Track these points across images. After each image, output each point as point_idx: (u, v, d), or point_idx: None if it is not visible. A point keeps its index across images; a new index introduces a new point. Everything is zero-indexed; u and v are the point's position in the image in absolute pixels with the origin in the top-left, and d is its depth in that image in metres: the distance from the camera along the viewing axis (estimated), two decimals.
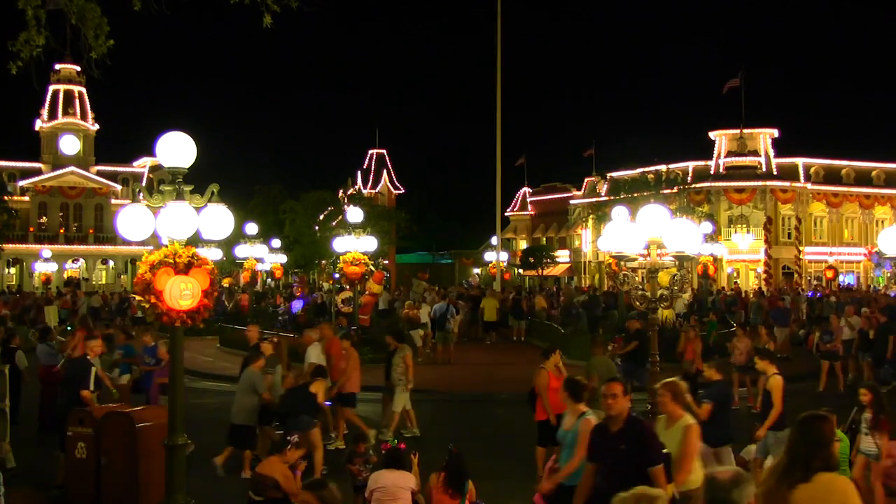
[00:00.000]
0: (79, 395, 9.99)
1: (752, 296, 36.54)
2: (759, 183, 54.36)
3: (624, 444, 6.01)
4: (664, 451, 6.15)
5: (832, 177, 57.57)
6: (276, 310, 31.44)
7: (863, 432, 9.16)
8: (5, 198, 52.19)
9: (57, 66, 60.94)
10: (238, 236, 29.79)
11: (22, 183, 62.41)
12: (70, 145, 63.36)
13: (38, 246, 57.05)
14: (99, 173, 64.66)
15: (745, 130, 55.24)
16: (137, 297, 7.76)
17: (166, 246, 7.54)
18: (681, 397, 6.94)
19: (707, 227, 28.07)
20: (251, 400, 10.95)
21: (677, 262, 9.64)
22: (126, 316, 32.35)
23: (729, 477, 4.40)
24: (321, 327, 14.58)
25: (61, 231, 62.44)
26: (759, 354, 10.76)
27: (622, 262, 10.03)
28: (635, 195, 41.10)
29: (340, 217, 38.92)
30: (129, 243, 51.58)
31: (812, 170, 56.74)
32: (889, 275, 32.28)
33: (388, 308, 29.50)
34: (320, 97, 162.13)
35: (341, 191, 52.48)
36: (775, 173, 55.64)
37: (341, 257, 21.00)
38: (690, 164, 56.46)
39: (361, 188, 61.45)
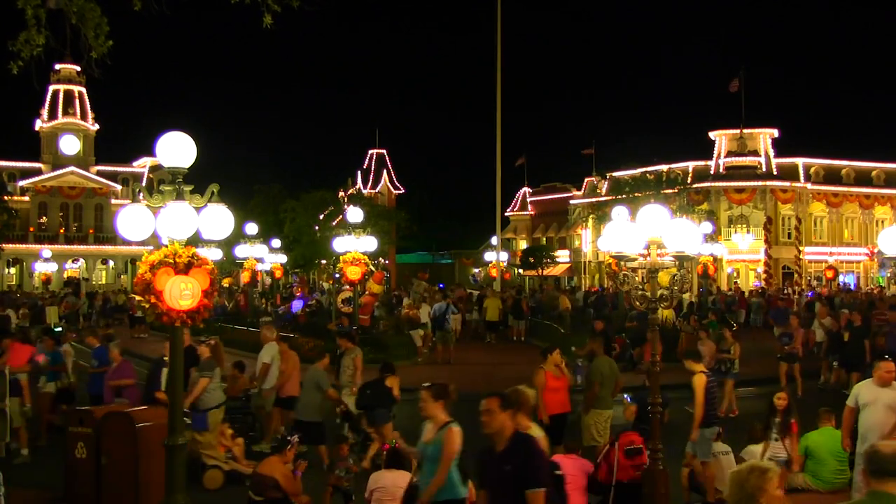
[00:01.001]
0: None
1: (753, 296, 36.57)
2: (759, 183, 54.36)
3: (509, 465, 5.34)
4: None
5: (832, 177, 57.57)
6: (275, 310, 31.44)
7: (772, 438, 9.10)
8: (5, 198, 52.16)
9: (57, 66, 60.93)
10: (238, 236, 29.75)
11: (22, 183, 62.40)
12: (70, 145, 63.36)
13: (38, 246, 57.03)
14: (99, 173, 64.66)
15: (745, 130, 55.24)
16: (137, 297, 7.76)
17: (166, 246, 7.54)
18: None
19: (707, 227, 28.07)
20: (317, 397, 11.32)
21: (677, 262, 9.64)
22: (111, 318, 31.44)
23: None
24: (268, 328, 14.42)
25: (61, 231, 62.44)
26: (687, 356, 11.06)
27: (622, 262, 10.02)
28: (635, 195, 41.12)
29: (340, 217, 38.91)
30: (129, 243, 51.56)
31: (812, 170, 56.73)
32: (890, 275, 32.27)
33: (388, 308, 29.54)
34: (320, 97, 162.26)
35: (341, 191, 52.49)
36: (775, 173, 55.64)
37: (341, 257, 21.00)
38: (690, 164, 56.46)
39: (361, 188, 61.49)
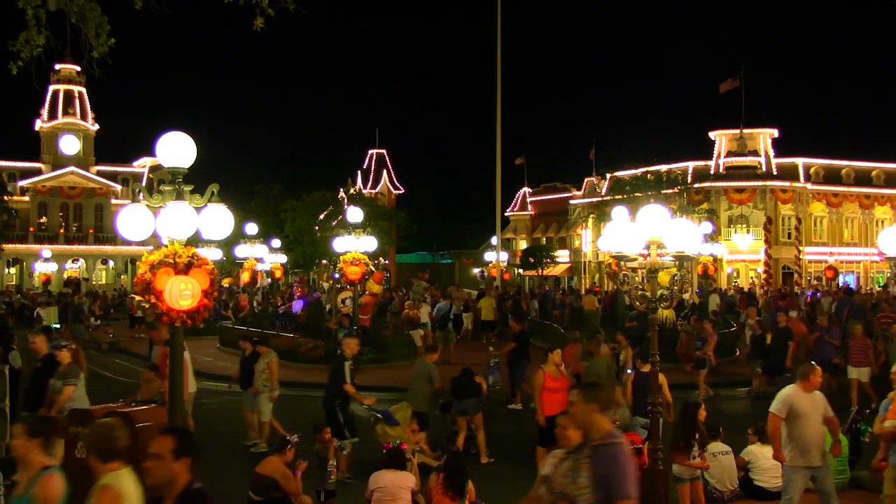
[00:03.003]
0: None
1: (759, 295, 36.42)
2: (759, 183, 54.36)
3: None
4: None
5: (832, 177, 57.57)
6: (276, 310, 31.44)
7: (692, 455, 8.78)
8: (5, 198, 52.15)
9: (57, 66, 60.95)
10: (238, 236, 29.72)
11: (22, 183, 62.40)
12: (70, 145, 63.35)
13: (38, 246, 57.05)
14: (99, 173, 64.65)
15: (745, 130, 55.24)
16: (137, 298, 7.76)
17: (166, 246, 7.54)
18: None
19: (707, 227, 28.03)
20: (427, 388, 11.70)
21: (677, 262, 9.63)
22: (81, 323, 29.75)
23: None
24: (162, 329, 14.25)
25: (61, 231, 62.43)
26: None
27: (622, 262, 10.02)
28: (635, 195, 41.10)
29: (340, 217, 38.90)
30: (129, 243, 51.56)
31: (812, 170, 56.73)
32: (889, 275, 32.20)
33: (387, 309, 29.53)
34: (320, 97, 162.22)
35: (341, 191, 52.47)
36: (775, 173, 55.64)
37: (341, 257, 20.99)
38: (690, 164, 56.46)
39: (361, 188, 61.46)
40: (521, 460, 11.52)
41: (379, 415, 10.89)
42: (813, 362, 8.66)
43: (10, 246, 54.79)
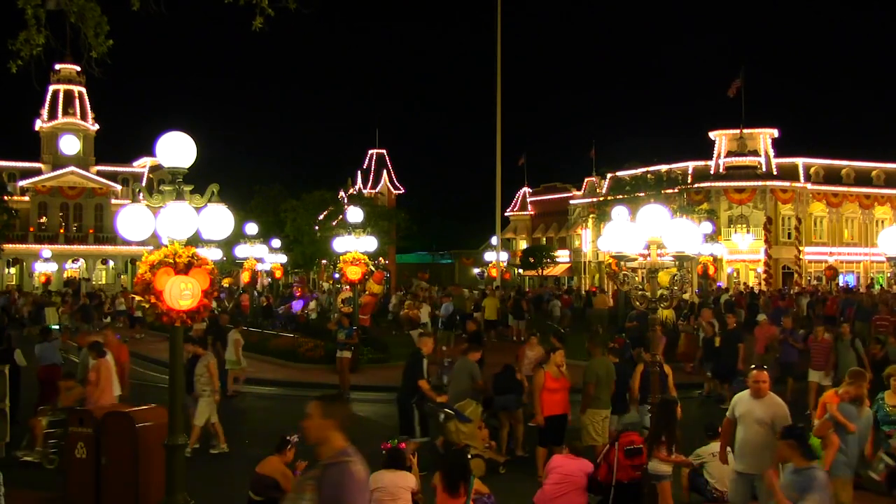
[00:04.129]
0: None
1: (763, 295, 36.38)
2: (759, 183, 54.36)
3: None
4: None
5: (832, 177, 57.57)
6: (275, 310, 31.44)
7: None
8: (5, 198, 52.13)
9: (57, 66, 60.96)
10: (238, 236, 29.76)
11: (22, 183, 62.39)
12: (70, 145, 63.34)
13: (38, 246, 57.04)
14: (99, 173, 64.64)
15: (745, 130, 55.23)
16: (137, 297, 7.76)
17: (166, 246, 7.54)
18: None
19: (707, 227, 28.04)
20: (468, 385, 11.76)
21: (677, 262, 9.63)
22: (88, 323, 29.15)
23: None
24: (105, 332, 13.95)
25: (61, 231, 62.42)
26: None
27: (622, 262, 10.02)
28: (635, 195, 41.09)
29: (340, 217, 38.91)
30: (129, 243, 51.59)
31: (812, 170, 56.73)
32: (889, 275, 32.18)
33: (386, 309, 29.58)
34: (320, 97, 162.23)
35: (341, 191, 52.52)
36: (775, 173, 55.64)
37: (341, 257, 20.99)
38: (690, 164, 56.46)
39: (361, 188, 61.48)
40: (521, 460, 11.52)
41: (450, 411, 11.08)
42: (758, 366, 8.27)
43: (10, 246, 54.78)
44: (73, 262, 63.18)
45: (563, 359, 11.19)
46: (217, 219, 7.75)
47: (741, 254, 53.79)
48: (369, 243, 21.41)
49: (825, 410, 8.44)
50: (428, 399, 11.40)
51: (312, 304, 30.06)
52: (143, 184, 59.98)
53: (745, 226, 54.13)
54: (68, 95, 63.47)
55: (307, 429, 4.48)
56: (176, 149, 7.58)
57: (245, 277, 32.54)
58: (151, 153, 29.43)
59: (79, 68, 54.82)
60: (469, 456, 10.82)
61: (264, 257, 32.73)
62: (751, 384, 7.86)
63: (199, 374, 12.54)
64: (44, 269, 52.23)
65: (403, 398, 11.64)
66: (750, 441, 7.66)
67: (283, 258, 38.39)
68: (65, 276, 59.80)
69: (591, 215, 53.52)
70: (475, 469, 10.74)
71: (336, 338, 18.13)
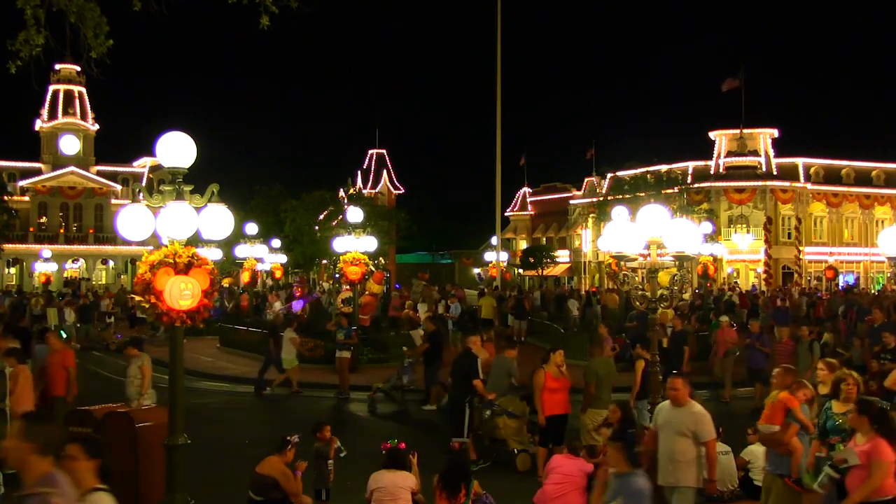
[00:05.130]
0: None
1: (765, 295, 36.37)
2: (759, 183, 54.36)
3: None
4: None
5: (832, 177, 57.57)
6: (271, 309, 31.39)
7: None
8: (5, 198, 52.10)
9: (57, 66, 60.90)
10: (238, 236, 29.75)
11: (22, 183, 62.36)
12: (70, 145, 63.33)
13: (38, 246, 56.97)
14: (99, 173, 64.62)
15: (745, 130, 55.23)
16: (137, 297, 7.76)
17: (166, 246, 7.54)
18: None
19: (707, 227, 28.04)
20: (506, 383, 11.98)
21: (677, 262, 9.63)
22: (89, 323, 28.92)
23: None
24: (48, 336, 13.57)
25: (61, 231, 62.40)
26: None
27: (622, 262, 10.02)
28: (636, 195, 41.11)
29: (340, 217, 38.91)
30: (129, 243, 51.51)
31: (812, 170, 56.73)
32: (889, 275, 32.18)
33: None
34: (320, 97, 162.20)
35: (341, 191, 52.48)
36: (775, 173, 55.64)
37: (341, 257, 20.98)
38: (690, 164, 56.46)
39: (361, 188, 61.45)
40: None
41: (498, 408, 11.28)
42: (675, 372, 8.09)
43: (10, 246, 54.73)
44: (73, 262, 63.15)
45: (562, 359, 11.20)
46: (217, 219, 7.75)
47: (741, 254, 53.79)
48: (369, 243, 21.41)
49: (775, 414, 7.70)
50: (480, 397, 11.64)
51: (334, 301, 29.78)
52: (143, 184, 59.97)
53: (745, 226, 54.13)
54: (68, 95, 63.44)
55: (5, 450, 4.03)
56: (176, 149, 7.58)
57: (245, 277, 32.53)
58: (151, 153, 29.45)
59: (79, 68, 54.76)
60: (515, 451, 11.22)
61: (264, 257, 32.72)
62: (667, 392, 7.63)
63: (132, 377, 11.82)
64: (44, 269, 52.17)
65: (457, 397, 11.85)
66: (667, 452, 7.40)
67: (283, 258, 38.40)
68: (65, 276, 59.78)
69: (591, 215, 53.58)
70: (520, 464, 11.11)
71: (335, 338, 18.14)
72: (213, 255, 21.59)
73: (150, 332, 28.25)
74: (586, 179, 63.37)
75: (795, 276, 53.94)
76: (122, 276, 61.68)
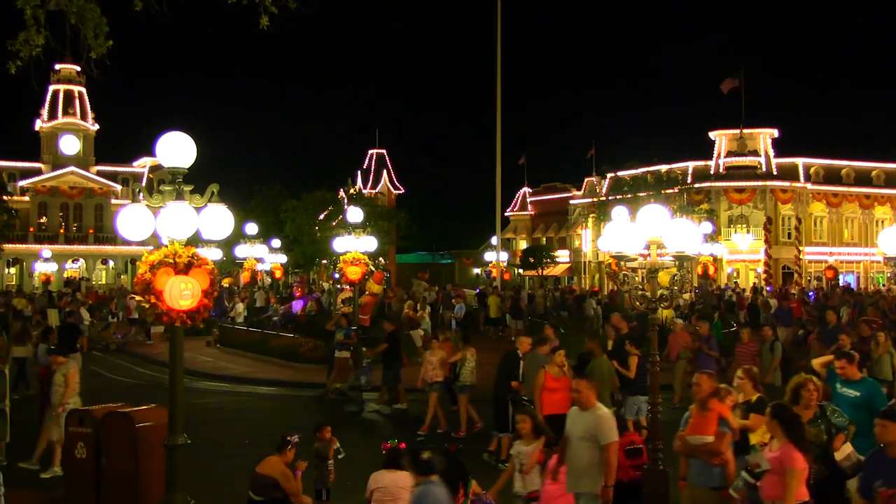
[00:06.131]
0: None
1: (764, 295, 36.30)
2: (759, 183, 54.36)
3: None
4: None
5: (832, 177, 57.57)
6: (275, 310, 31.36)
7: (518, 469, 7.76)
8: (5, 198, 52.11)
9: (57, 66, 60.93)
10: (238, 236, 29.74)
11: (22, 183, 62.38)
12: (70, 145, 63.34)
13: (38, 246, 56.98)
14: (99, 173, 64.64)
15: (745, 130, 55.23)
16: (137, 297, 7.75)
17: (166, 246, 7.54)
18: None
19: (707, 227, 28.02)
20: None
21: (677, 262, 9.62)
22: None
23: None
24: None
25: (61, 231, 62.41)
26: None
27: (622, 262, 10.02)
28: (636, 195, 41.12)
29: (340, 217, 38.90)
30: (129, 243, 51.56)
31: (812, 170, 56.73)
32: (889, 275, 32.16)
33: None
34: (320, 97, 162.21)
35: (341, 191, 52.50)
36: (775, 173, 55.64)
37: (341, 257, 20.97)
38: (690, 164, 56.46)
39: (361, 188, 61.46)
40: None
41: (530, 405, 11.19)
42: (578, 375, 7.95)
43: (10, 246, 54.74)
44: (73, 262, 63.16)
45: (563, 359, 11.20)
46: (217, 219, 7.75)
47: (741, 254, 53.78)
48: (369, 243, 21.39)
49: (707, 423, 7.25)
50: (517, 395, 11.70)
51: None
52: (143, 184, 59.97)
53: (745, 226, 54.13)
54: (68, 95, 63.45)
55: None
56: (176, 149, 7.58)
57: (245, 277, 32.52)
58: (151, 153, 29.45)
59: (79, 68, 54.76)
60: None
61: (264, 257, 32.70)
62: (573, 394, 7.40)
63: (57, 385, 11.37)
64: (44, 269, 52.17)
65: (500, 395, 11.91)
66: (572, 458, 7.20)
67: (283, 258, 38.38)
68: (65, 276, 59.77)
69: (591, 215, 53.55)
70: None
71: (335, 338, 18.14)
72: (213, 255, 21.57)
73: (114, 338, 28.27)
74: (586, 179, 63.35)
75: (795, 276, 53.94)
76: (122, 276, 61.68)
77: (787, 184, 54.80)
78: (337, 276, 24.28)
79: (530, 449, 7.53)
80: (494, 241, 49.11)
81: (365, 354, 17.40)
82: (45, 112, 63.42)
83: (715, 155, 56.71)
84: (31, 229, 61.25)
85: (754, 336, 15.13)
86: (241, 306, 29.44)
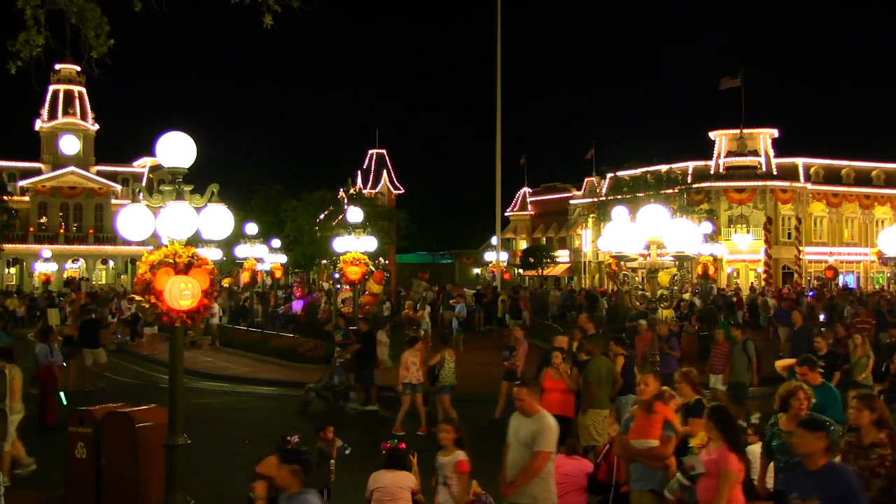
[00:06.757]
0: None
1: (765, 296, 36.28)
2: (759, 183, 54.37)
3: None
4: None
5: (832, 177, 57.58)
6: (274, 310, 31.41)
7: (441, 482, 7.39)
8: (5, 198, 52.11)
9: (57, 66, 60.88)
10: (238, 236, 29.72)
11: (22, 183, 62.36)
12: (70, 145, 63.32)
13: (38, 246, 57.00)
14: (99, 173, 64.62)
15: (745, 130, 55.25)
16: (137, 297, 7.76)
17: (166, 246, 7.54)
18: None
19: (707, 227, 28.03)
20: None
21: (677, 262, 9.64)
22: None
23: None
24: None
25: (61, 231, 62.39)
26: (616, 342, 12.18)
27: (622, 262, 10.03)
28: (636, 195, 41.11)
29: (340, 217, 38.89)
30: (129, 243, 51.49)
31: (812, 170, 56.75)
32: (889, 275, 32.17)
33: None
34: (320, 97, 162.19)
35: (341, 191, 52.51)
36: (775, 173, 55.65)
37: (341, 257, 20.97)
38: (690, 164, 56.47)
39: (361, 188, 61.45)
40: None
41: None
42: (519, 382, 7.62)
43: (10, 246, 54.74)
44: (73, 262, 63.14)
45: (560, 359, 11.18)
46: (217, 219, 7.75)
47: (741, 254, 53.79)
48: (369, 243, 21.39)
49: (652, 426, 7.03)
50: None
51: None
52: (143, 184, 59.95)
53: (745, 226, 54.14)
54: (68, 95, 63.43)
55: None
56: (176, 149, 7.58)
57: (245, 277, 32.52)
58: (151, 153, 29.45)
59: (79, 68, 54.76)
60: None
61: (264, 257, 32.71)
62: (515, 401, 7.20)
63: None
64: (44, 269, 52.19)
65: None
66: (512, 465, 6.98)
67: (283, 258, 38.38)
68: (65, 276, 59.77)
69: (591, 215, 53.56)
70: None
71: (334, 338, 18.14)
72: (213, 255, 21.57)
73: (113, 338, 28.18)
74: (586, 179, 63.37)
75: (795, 276, 53.95)
76: (122, 276, 61.68)
77: (787, 184, 54.81)
78: (337, 276, 24.27)
79: (450, 460, 7.26)
80: (494, 241, 49.13)
81: (338, 354, 17.40)
82: (45, 112, 63.39)
83: (715, 155, 56.72)
84: (31, 229, 61.24)
85: (725, 336, 15.01)
86: (216, 307, 29.28)
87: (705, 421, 6.37)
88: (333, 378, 16.70)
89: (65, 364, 18.82)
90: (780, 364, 9.89)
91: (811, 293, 37.26)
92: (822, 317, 24.62)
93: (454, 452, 7.27)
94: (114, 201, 63.18)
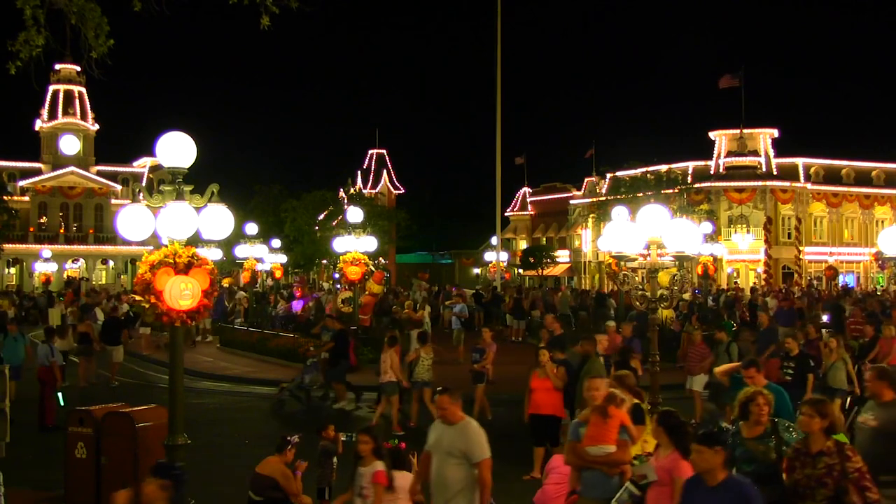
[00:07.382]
0: None
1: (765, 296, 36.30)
2: (759, 183, 54.37)
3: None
4: None
5: (832, 177, 57.59)
6: (274, 310, 31.32)
7: (357, 494, 7.11)
8: (5, 198, 52.12)
9: (57, 66, 60.88)
10: (238, 236, 29.76)
11: (22, 183, 62.36)
12: (70, 145, 63.32)
13: (38, 246, 57.00)
14: (99, 173, 64.63)
15: (745, 130, 55.26)
16: (137, 297, 7.76)
17: (166, 246, 7.54)
18: None
19: (707, 227, 28.03)
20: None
21: (677, 262, 9.65)
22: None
23: None
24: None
25: (61, 231, 62.40)
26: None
27: (622, 262, 10.04)
28: (636, 195, 41.11)
29: (340, 217, 38.91)
30: (129, 243, 51.55)
31: (812, 170, 56.76)
32: (889, 275, 32.18)
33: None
34: (320, 97, 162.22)
35: (341, 191, 52.54)
36: (775, 173, 55.66)
37: (341, 257, 20.98)
38: (690, 164, 56.47)
39: (361, 188, 61.49)
40: (520, 460, 11.50)
41: None
42: (441, 387, 7.09)
43: (10, 246, 54.75)
44: (73, 262, 63.14)
45: (546, 358, 11.15)
46: (217, 219, 7.75)
47: (741, 254, 53.80)
48: (369, 243, 21.40)
49: (607, 431, 6.78)
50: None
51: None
52: (143, 184, 59.92)
53: (745, 226, 54.15)
54: (68, 95, 63.43)
55: None
56: (176, 149, 7.58)
57: (245, 277, 32.54)
58: (151, 153, 29.46)
59: (79, 68, 54.75)
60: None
61: (264, 257, 32.72)
62: (437, 411, 6.89)
63: None
64: (44, 269, 52.17)
65: (569, 390, 11.60)
66: (438, 475, 6.63)
67: (283, 258, 38.39)
68: (65, 276, 59.77)
69: (591, 215, 53.55)
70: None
71: (322, 340, 18.14)
72: (213, 255, 21.61)
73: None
74: (586, 179, 63.37)
75: (795, 276, 53.96)
76: (122, 276, 61.69)
77: (787, 184, 54.82)
78: (337, 276, 24.29)
79: (368, 471, 7.07)
80: (494, 241, 49.12)
81: (309, 353, 17.41)
82: (45, 112, 63.39)
83: (715, 155, 56.74)
84: (31, 229, 61.25)
85: (704, 338, 14.79)
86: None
87: (654, 426, 6.20)
88: (304, 377, 16.66)
89: (77, 361, 18.91)
90: (719, 370, 9.68)
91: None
92: (825, 318, 24.52)
93: (373, 463, 7.06)
94: (114, 201, 63.19)
